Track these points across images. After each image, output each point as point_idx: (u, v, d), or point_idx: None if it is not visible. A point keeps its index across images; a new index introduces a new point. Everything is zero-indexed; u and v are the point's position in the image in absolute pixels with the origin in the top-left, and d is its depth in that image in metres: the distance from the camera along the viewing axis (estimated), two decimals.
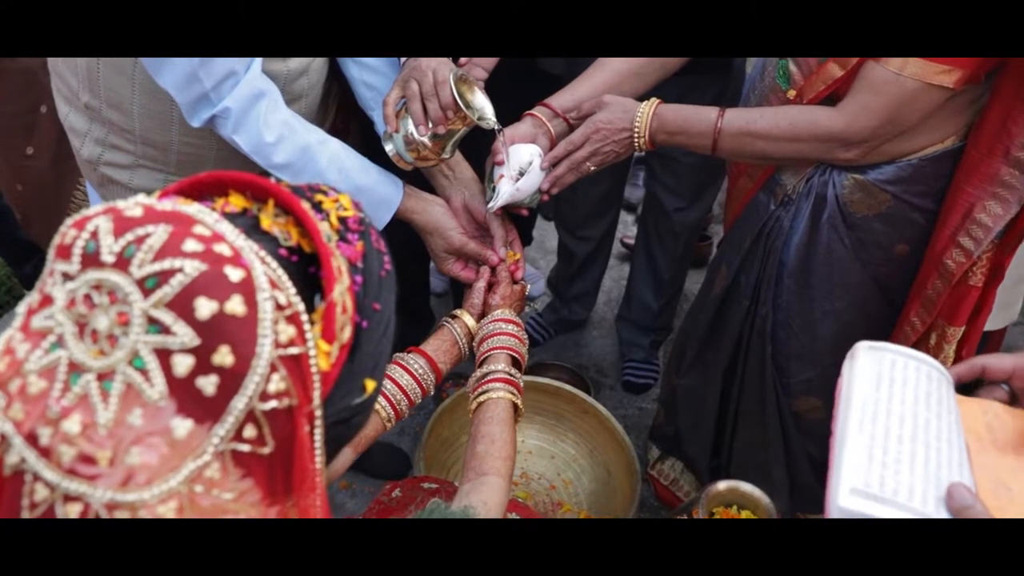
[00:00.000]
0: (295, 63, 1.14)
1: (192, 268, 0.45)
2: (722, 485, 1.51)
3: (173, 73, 1.01)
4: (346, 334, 0.53)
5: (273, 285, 0.48)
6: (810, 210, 1.32)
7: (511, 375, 1.08)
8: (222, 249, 0.47)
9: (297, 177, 1.12)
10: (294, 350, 0.48)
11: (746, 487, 1.49)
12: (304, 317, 0.50)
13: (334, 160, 1.15)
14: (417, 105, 1.14)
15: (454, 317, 1.18)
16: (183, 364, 0.44)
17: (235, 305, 0.45)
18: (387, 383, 1.07)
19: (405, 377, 1.08)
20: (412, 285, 2.17)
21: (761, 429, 1.58)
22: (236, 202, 0.54)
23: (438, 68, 1.13)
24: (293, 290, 0.49)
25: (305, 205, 0.54)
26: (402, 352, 1.12)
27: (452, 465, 1.80)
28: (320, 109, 1.27)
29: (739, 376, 1.57)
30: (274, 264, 0.49)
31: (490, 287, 1.23)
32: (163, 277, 0.45)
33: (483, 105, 1.20)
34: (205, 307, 0.45)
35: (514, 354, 1.11)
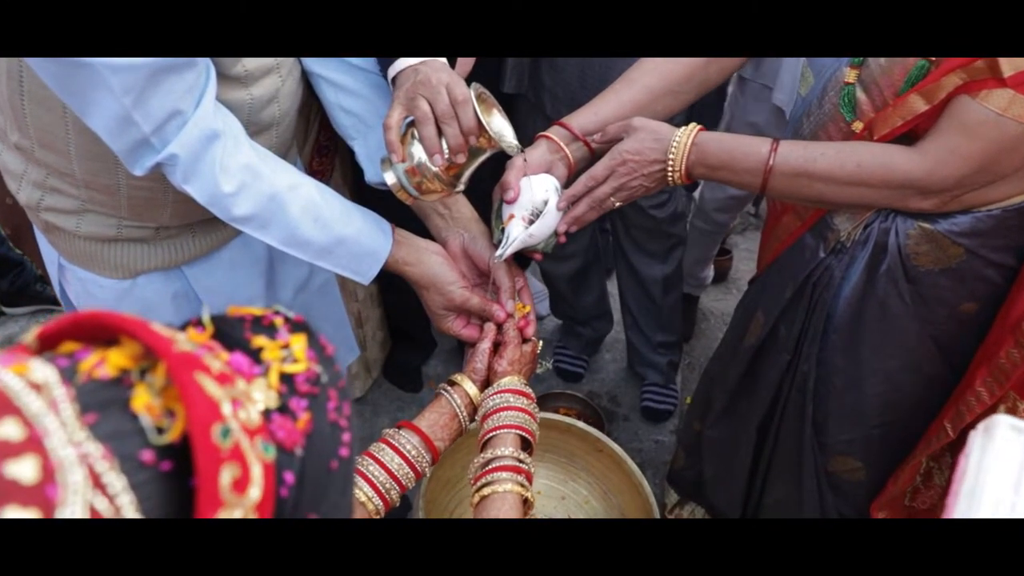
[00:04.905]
0: (260, 90, 0.95)
1: None
2: None
3: (102, 115, 0.80)
4: None
5: None
6: (867, 260, 1.15)
7: (520, 461, 0.92)
8: (21, 472, 0.30)
9: (263, 230, 0.94)
10: None
11: None
12: None
13: (308, 209, 0.95)
14: (431, 129, 0.93)
15: (454, 384, 1.02)
16: None
17: None
18: (375, 468, 0.91)
19: (396, 460, 0.92)
20: (413, 312, 2.02)
21: (796, 487, 1.43)
22: (117, 360, 0.37)
23: (452, 83, 0.92)
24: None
25: (202, 379, 0.36)
26: (393, 428, 0.97)
27: (455, 509, 1.66)
28: (299, 132, 1.09)
29: (774, 431, 1.41)
30: (118, 486, 0.33)
31: (495, 347, 1.06)
32: None
33: (502, 127, 1.01)
34: None
35: (524, 433, 0.96)
